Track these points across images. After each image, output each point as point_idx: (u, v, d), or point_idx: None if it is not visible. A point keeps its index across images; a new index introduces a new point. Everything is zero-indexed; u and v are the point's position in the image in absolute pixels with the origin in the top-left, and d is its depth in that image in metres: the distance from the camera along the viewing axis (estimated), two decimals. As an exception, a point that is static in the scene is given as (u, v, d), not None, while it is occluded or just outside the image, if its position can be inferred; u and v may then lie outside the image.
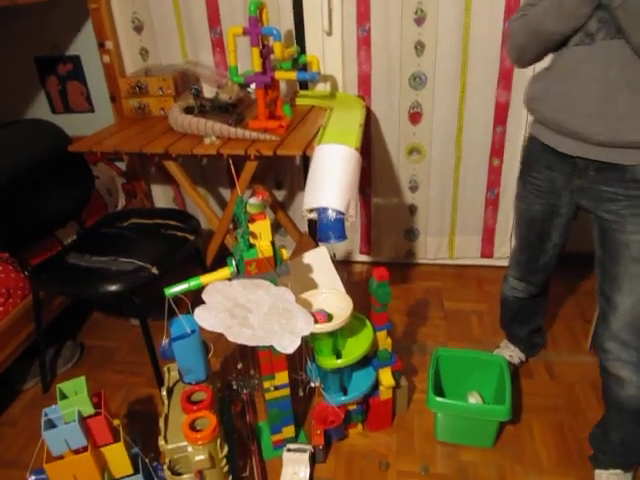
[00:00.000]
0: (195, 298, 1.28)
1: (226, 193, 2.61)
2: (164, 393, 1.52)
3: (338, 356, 1.51)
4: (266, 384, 1.50)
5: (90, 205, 2.14)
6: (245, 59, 1.98)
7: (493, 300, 2.30)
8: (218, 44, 2.23)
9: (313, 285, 1.55)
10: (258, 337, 1.28)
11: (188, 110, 1.94)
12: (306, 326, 1.27)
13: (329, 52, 2.16)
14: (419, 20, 2.03)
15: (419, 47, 2.08)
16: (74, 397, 1.31)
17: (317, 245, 1.71)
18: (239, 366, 1.68)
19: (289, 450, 1.56)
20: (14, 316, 1.81)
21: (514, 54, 1.38)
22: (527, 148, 1.51)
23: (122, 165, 2.60)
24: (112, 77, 2.29)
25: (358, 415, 1.67)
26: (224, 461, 1.38)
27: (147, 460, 1.47)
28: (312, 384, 1.55)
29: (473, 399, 1.69)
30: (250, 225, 1.29)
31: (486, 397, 1.72)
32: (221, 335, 1.27)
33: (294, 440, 1.64)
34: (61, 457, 1.30)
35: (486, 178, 2.33)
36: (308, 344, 1.50)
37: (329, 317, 1.44)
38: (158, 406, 1.86)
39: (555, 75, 1.30)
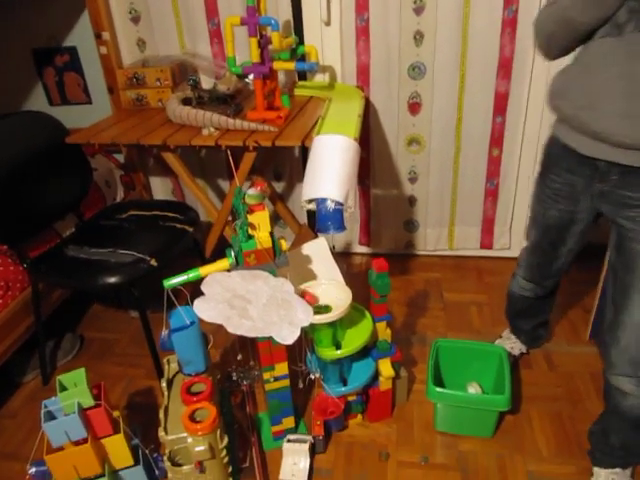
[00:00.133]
0: (194, 290, 1.28)
1: (225, 185, 2.60)
2: (164, 385, 1.52)
3: (338, 347, 1.51)
4: (266, 375, 1.50)
5: (88, 197, 2.13)
6: (243, 50, 1.97)
7: (492, 291, 2.31)
8: (216, 35, 2.21)
9: (312, 276, 1.55)
10: (257, 328, 1.27)
11: (186, 101, 1.93)
12: (305, 317, 1.26)
13: (327, 42, 2.15)
14: (418, 9, 2.02)
15: (418, 37, 2.06)
16: (74, 389, 1.31)
17: (316, 236, 1.71)
18: (239, 357, 1.68)
19: (289, 441, 1.57)
20: (13, 309, 1.81)
21: (541, 43, 1.30)
22: (547, 149, 1.43)
23: (120, 157, 2.59)
24: (109, 68, 2.28)
25: (358, 406, 1.67)
26: (224, 452, 1.39)
27: (147, 451, 1.48)
28: (312, 375, 1.55)
29: (473, 389, 1.69)
30: (249, 216, 1.29)
31: (485, 387, 1.72)
32: (221, 326, 1.27)
33: (294, 431, 1.65)
34: (61, 449, 1.30)
35: (485, 168, 2.33)
36: (308, 335, 1.50)
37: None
38: (158, 398, 1.86)
39: (579, 69, 1.21)
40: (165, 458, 1.37)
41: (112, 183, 2.45)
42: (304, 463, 1.54)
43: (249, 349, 1.75)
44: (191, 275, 1.27)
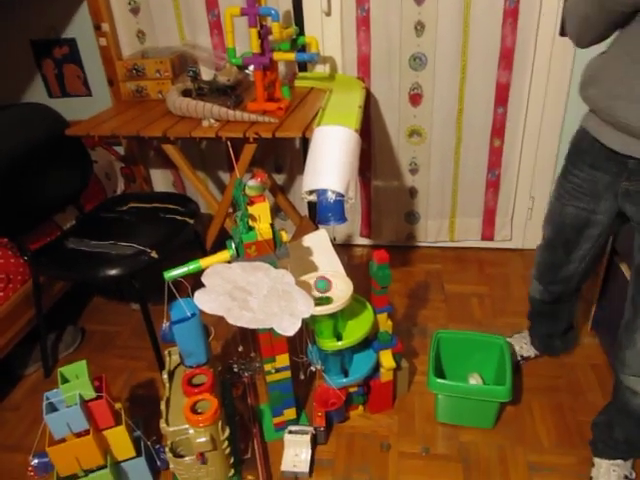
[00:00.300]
0: (195, 282, 1.28)
1: (225, 177, 2.59)
2: (165, 376, 1.52)
3: (339, 338, 1.51)
4: (267, 367, 1.50)
5: (89, 190, 2.13)
6: (243, 41, 1.96)
7: (494, 282, 2.31)
8: (216, 26, 2.20)
9: (313, 267, 1.55)
10: (258, 320, 1.27)
11: (186, 93, 1.93)
12: (306, 308, 1.26)
13: (328, 33, 2.14)
14: (419, -1, 2.00)
15: (419, 27, 2.05)
16: (75, 381, 1.32)
17: (317, 228, 1.70)
18: (240, 349, 1.68)
19: (290, 432, 1.57)
20: (14, 301, 1.81)
21: (573, 29, 1.19)
22: (574, 142, 1.35)
23: (120, 149, 2.58)
24: (109, 60, 2.27)
25: (359, 397, 1.68)
26: (226, 443, 1.39)
27: (149, 443, 1.48)
28: (313, 366, 1.55)
29: (474, 380, 1.70)
30: (249, 208, 1.28)
31: (486, 378, 1.72)
32: (222, 318, 1.27)
33: (295, 422, 1.65)
34: (63, 440, 1.31)
35: (487, 159, 2.32)
36: (308, 326, 1.50)
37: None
38: (159, 389, 1.86)
39: (614, 55, 1.12)
40: (167, 449, 1.37)
41: (112, 175, 2.45)
42: (305, 454, 1.55)
43: (250, 341, 1.75)
44: (192, 267, 1.27)
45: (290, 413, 1.63)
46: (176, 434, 1.37)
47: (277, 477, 1.53)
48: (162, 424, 1.36)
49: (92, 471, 1.38)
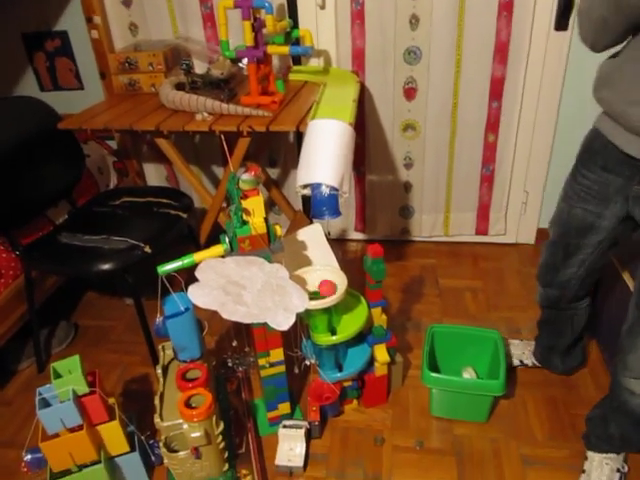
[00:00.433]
0: (189, 277, 1.27)
1: (219, 171, 2.58)
2: (159, 371, 1.52)
3: (333, 333, 1.51)
4: (261, 361, 1.50)
5: (81, 184, 2.11)
6: (237, 34, 1.94)
7: (488, 277, 2.31)
8: (209, 18, 2.18)
9: (307, 262, 1.54)
10: (252, 314, 1.27)
11: (179, 86, 1.91)
12: (300, 303, 1.26)
13: (322, 26, 2.13)
14: (414, -8, 2.00)
15: (414, 21, 2.04)
16: (68, 376, 1.31)
17: (311, 222, 1.70)
18: (234, 344, 1.68)
19: (285, 426, 1.57)
20: (6, 296, 1.80)
21: (587, 32, 1.13)
22: (586, 142, 1.32)
23: (113, 144, 2.57)
24: (101, 53, 2.25)
25: (353, 391, 1.68)
26: (220, 438, 1.39)
27: (143, 438, 1.48)
28: (307, 361, 1.55)
29: (467, 375, 1.70)
30: (243, 202, 1.28)
31: (480, 372, 1.72)
32: (215, 313, 1.26)
33: (290, 417, 1.65)
34: (57, 436, 1.30)
35: (481, 154, 2.32)
36: (303, 321, 1.50)
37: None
38: (153, 384, 1.86)
39: (629, 57, 1.07)
40: (161, 444, 1.37)
41: (105, 170, 2.43)
42: (300, 448, 1.55)
43: (244, 335, 1.75)
44: (185, 261, 1.26)
45: (284, 407, 1.63)
46: (170, 429, 1.36)
47: (271, 471, 1.53)
48: (156, 419, 1.36)
49: (86, 466, 1.38)
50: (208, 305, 1.26)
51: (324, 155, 1.47)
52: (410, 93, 2.21)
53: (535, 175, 2.33)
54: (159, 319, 1.37)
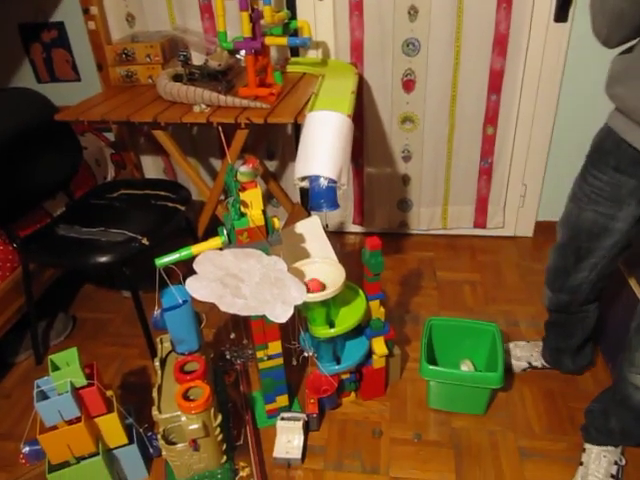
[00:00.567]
0: (187, 269, 1.27)
1: (217, 163, 2.57)
2: (157, 364, 1.52)
3: (331, 325, 1.51)
4: (259, 354, 1.50)
5: (78, 176, 2.10)
6: (235, 26, 1.93)
7: (486, 270, 2.31)
8: (206, 10, 2.17)
9: (305, 254, 1.54)
10: (250, 307, 1.27)
11: (177, 78, 1.90)
12: (298, 295, 1.26)
13: (321, 17, 2.11)
14: (413, -16, 1.98)
15: (412, 12, 2.03)
16: (66, 368, 1.31)
17: (309, 215, 1.70)
18: (232, 336, 1.68)
19: (283, 419, 1.57)
20: (4, 289, 1.80)
21: (601, 27, 1.07)
22: (597, 141, 1.26)
23: (110, 136, 2.56)
24: (98, 44, 2.23)
25: (351, 384, 1.68)
26: (218, 430, 1.39)
27: (141, 430, 1.48)
28: (305, 353, 1.55)
29: (465, 367, 1.70)
30: (241, 194, 1.27)
31: (478, 365, 1.73)
32: (214, 305, 1.26)
33: (288, 409, 1.65)
34: (55, 428, 1.30)
35: (480, 147, 2.31)
36: (301, 314, 1.50)
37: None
38: (151, 377, 1.86)
39: None
40: (159, 437, 1.37)
41: (102, 162, 2.42)
42: (298, 441, 1.55)
43: (242, 328, 1.75)
44: (183, 254, 1.26)
45: (282, 400, 1.63)
46: (168, 421, 1.36)
47: (269, 463, 1.53)
48: (154, 411, 1.36)
49: (84, 458, 1.38)
50: (206, 298, 1.25)
51: (322, 147, 1.46)
52: (409, 85, 2.20)
53: (534, 168, 2.33)
54: (157, 312, 1.37)
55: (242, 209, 1.25)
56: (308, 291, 1.41)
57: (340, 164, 1.43)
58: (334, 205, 1.41)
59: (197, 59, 2.11)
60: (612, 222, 1.25)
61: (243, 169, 1.27)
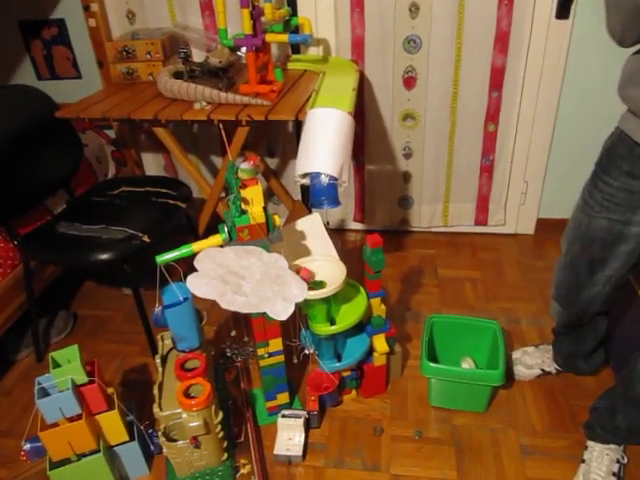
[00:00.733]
0: (188, 267, 1.27)
1: (218, 161, 2.57)
2: (158, 361, 1.51)
3: (332, 323, 1.51)
4: (260, 351, 1.50)
5: (79, 174, 2.10)
6: (235, 23, 1.93)
7: (486, 267, 2.31)
8: (207, 7, 2.17)
9: (306, 252, 1.54)
10: (251, 304, 1.27)
11: (177, 75, 1.90)
12: (299, 292, 1.25)
13: (321, 14, 2.11)
14: (414, -20, 1.98)
15: (413, 9, 2.03)
16: (67, 365, 1.31)
17: (310, 212, 1.69)
18: (233, 334, 1.68)
19: (284, 416, 1.57)
20: (5, 286, 1.80)
21: (619, 24, 1.02)
22: (608, 145, 1.20)
23: (111, 133, 2.55)
24: (98, 41, 2.23)
25: (352, 381, 1.68)
26: (219, 427, 1.39)
27: (142, 427, 1.48)
28: (306, 351, 1.55)
29: (466, 365, 1.70)
30: (242, 191, 1.27)
31: (479, 363, 1.73)
32: (214, 303, 1.26)
33: (289, 406, 1.65)
34: (56, 425, 1.30)
35: (481, 144, 2.31)
36: (302, 311, 1.50)
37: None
38: (152, 374, 1.86)
39: None
40: (160, 434, 1.37)
41: (103, 159, 2.42)
42: (299, 438, 1.55)
43: (243, 325, 1.75)
44: (184, 251, 1.26)
45: (283, 397, 1.63)
46: (169, 418, 1.36)
47: (270, 461, 1.53)
48: (155, 408, 1.36)
49: (85, 455, 1.38)
50: (207, 295, 1.25)
51: (323, 144, 1.46)
52: (410, 82, 2.19)
53: (535, 165, 2.32)
54: (158, 309, 1.37)
55: (243, 206, 1.25)
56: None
57: (341, 161, 1.43)
58: (335, 202, 1.40)
59: (198, 56, 2.11)
60: (627, 227, 1.19)
61: (244, 166, 1.27)
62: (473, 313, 2.01)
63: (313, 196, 1.41)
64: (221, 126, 1.60)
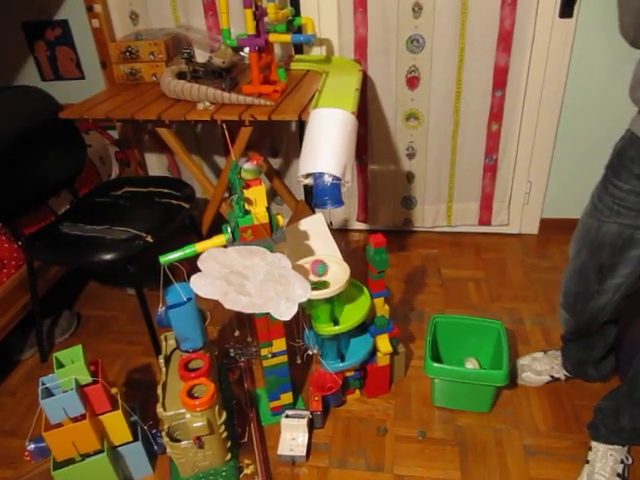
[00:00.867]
0: (191, 267, 1.27)
1: (221, 161, 2.57)
2: (162, 361, 1.52)
3: (335, 323, 1.51)
4: (263, 351, 1.50)
5: (83, 174, 2.11)
6: (238, 23, 1.93)
7: (490, 267, 2.30)
8: (210, 7, 2.17)
9: (310, 252, 1.54)
10: (255, 304, 1.27)
11: (181, 75, 1.90)
12: (303, 292, 1.25)
13: (324, 14, 2.11)
14: (417, -20, 1.98)
15: (417, 8, 2.02)
16: (71, 366, 1.31)
17: (313, 212, 1.69)
18: (236, 333, 1.68)
19: (287, 416, 1.57)
20: (9, 286, 1.80)
21: (632, 25, 1.00)
22: (618, 148, 1.17)
23: (115, 133, 2.56)
24: (102, 42, 2.23)
25: (356, 381, 1.68)
26: (222, 427, 1.39)
27: (146, 427, 1.48)
28: (310, 351, 1.55)
29: (470, 365, 1.70)
30: (245, 191, 1.27)
31: (483, 363, 1.72)
32: (218, 303, 1.26)
33: (292, 406, 1.65)
34: (60, 425, 1.31)
35: (484, 144, 2.30)
36: (305, 311, 1.50)
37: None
38: (156, 374, 1.86)
39: None
40: (164, 434, 1.38)
41: (106, 160, 2.42)
42: (302, 438, 1.55)
43: (246, 325, 1.75)
44: (187, 251, 1.26)
45: (287, 397, 1.63)
46: (173, 418, 1.36)
47: (274, 461, 1.53)
48: (159, 409, 1.36)
49: (89, 455, 1.38)
50: (210, 295, 1.25)
51: (326, 144, 1.45)
52: (413, 82, 2.19)
53: (539, 165, 2.32)
54: (161, 309, 1.37)
55: (246, 206, 1.25)
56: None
57: (344, 161, 1.43)
58: (338, 202, 1.40)
59: (201, 57, 2.11)
60: (638, 232, 1.17)
61: (247, 166, 1.27)
62: (477, 313, 2.00)
63: (316, 196, 1.41)
64: (224, 126, 1.60)
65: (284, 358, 1.53)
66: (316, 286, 1.41)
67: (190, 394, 1.34)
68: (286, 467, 1.52)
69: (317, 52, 2.21)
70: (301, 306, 1.29)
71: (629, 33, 1.02)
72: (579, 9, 1.96)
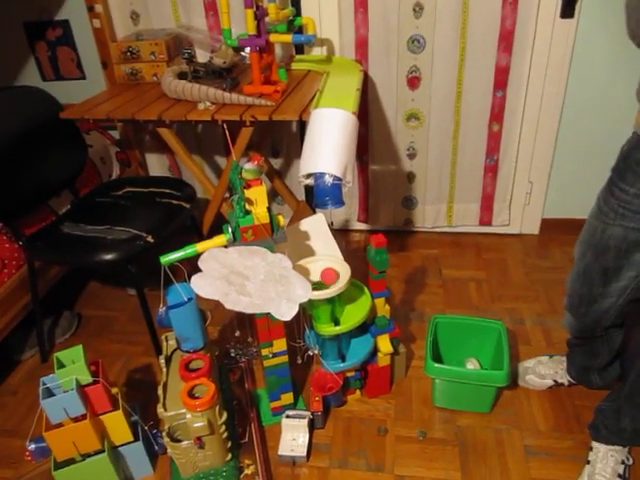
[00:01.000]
0: (192, 267, 1.27)
1: (222, 161, 2.57)
2: (162, 361, 1.52)
3: (336, 323, 1.51)
4: (264, 351, 1.50)
5: (84, 174, 2.11)
6: (239, 23, 1.93)
7: (491, 267, 2.30)
8: (211, 8, 2.17)
9: (310, 252, 1.54)
10: (255, 304, 1.27)
11: (181, 75, 1.90)
12: (303, 293, 1.25)
13: (325, 14, 2.11)
14: (418, -20, 1.97)
15: (417, 8, 2.02)
16: (72, 366, 1.31)
17: (314, 212, 1.69)
18: (237, 334, 1.68)
19: (288, 416, 1.57)
20: (10, 286, 1.80)
21: (636, 26, 0.99)
22: (625, 151, 1.16)
23: (115, 134, 2.56)
24: (103, 42, 2.23)
25: (356, 382, 1.68)
26: (223, 428, 1.39)
27: (146, 427, 1.48)
28: (310, 351, 1.55)
29: (471, 365, 1.70)
30: (246, 191, 1.27)
31: (484, 363, 1.72)
32: (218, 303, 1.26)
33: (293, 407, 1.65)
34: (60, 425, 1.31)
35: (485, 144, 2.30)
36: (306, 311, 1.50)
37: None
38: (157, 374, 1.86)
39: None
40: (164, 434, 1.38)
41: (107, 160, 2.42)
42: (303, 438, 1.55)
43: (247, 326, 1.75)
44: (188, 251, 1.26)
45: (287, 398, 1.63)
46: (173, 419, 1.36)
47: (274, 461, 1.53)
48: (159, 409, 1.36)
49: (89, 455, 1.38)
50: (211, 295, 1.25)
51: (327, 144, 1.45)
52: (414, 82, 2.19)
53: (540, 165, 2.31)
54: (162, 309, 1.37)
55: (247, 207, 1.25)
56: (325, 283, 1.40)
57: (345, 161, 1.43)
58: (339, 202, 1.40)
59: (202, 57, 2.11)
60: None
61: (248, 166, 1.27)
62: (477, 313, 2.00)
63: (317, 196, 1.41)
64: (225, 126, 1.60)
65: (285, 358, 1.53)
66: (317, 286, 1.41)
67: (191, 394, 1.34)
68: (287, 467, 1.52)
69: (318, 52, 2.21)
70: (302, 306, 1.29)
71: (637, 35, 1.01)
72: (580, 9, 1.95)
